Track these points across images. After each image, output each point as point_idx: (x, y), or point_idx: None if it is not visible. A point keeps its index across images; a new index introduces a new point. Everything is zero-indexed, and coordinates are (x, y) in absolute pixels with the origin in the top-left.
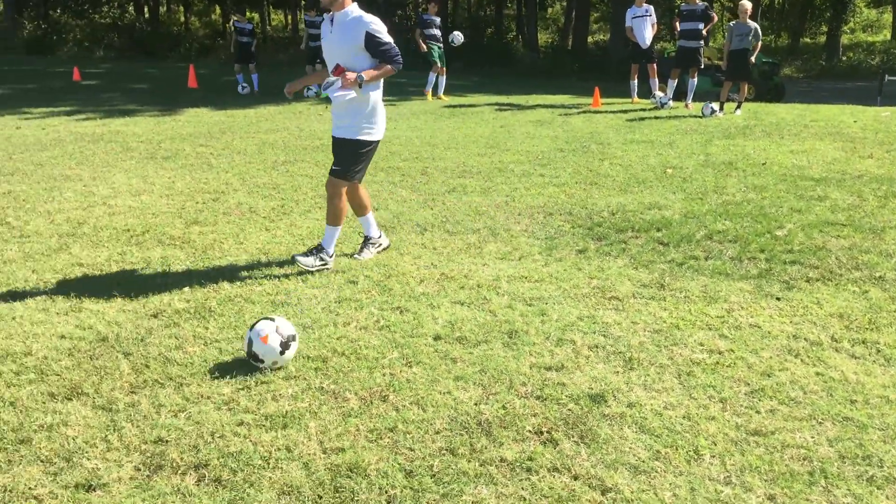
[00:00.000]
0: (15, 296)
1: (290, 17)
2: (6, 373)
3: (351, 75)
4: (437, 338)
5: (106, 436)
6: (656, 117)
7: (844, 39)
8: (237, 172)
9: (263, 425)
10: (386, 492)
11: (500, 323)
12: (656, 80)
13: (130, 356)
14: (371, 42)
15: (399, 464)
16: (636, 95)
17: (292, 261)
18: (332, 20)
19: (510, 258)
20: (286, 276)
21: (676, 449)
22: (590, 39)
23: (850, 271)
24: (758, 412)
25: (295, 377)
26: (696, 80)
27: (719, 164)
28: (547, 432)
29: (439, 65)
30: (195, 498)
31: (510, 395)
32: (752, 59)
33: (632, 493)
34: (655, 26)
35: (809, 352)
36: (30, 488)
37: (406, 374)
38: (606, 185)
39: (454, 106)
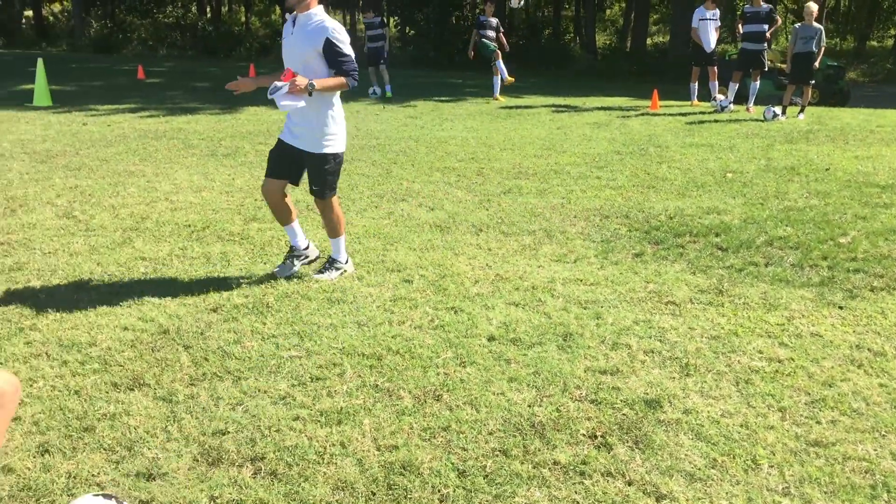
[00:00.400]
0: (81, 288)
1: (348, 17)
2: (72, 362)
3: (301, 81)
4: (491, 338)
5: (166, 426)
6: (716, 121)
7: None
8: None
9: (318, 421)
10: (439, 491)
11: (555, 325)
12: (717, 83)
13: (190, 349)
14: (330, 50)
15: (452, 463)
16: (696, 98)
17: (315, 280)
18: (294, 21)
19: (565, 260)
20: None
21: (734, 458)
22: (648, 41)
23: None
24: (818, 423)
25: (350, 374)
26: (758, 83)
27: (781, 169)
28: (601, 436)
29: (496, 56)
30: (251, 490)
31: (564, 398)
32: (817, 63)
33: (687, 500)
34: (718, 31)
35: (873, 362)
36: (93, 475)
37: (460, 373)
38: (664, 189)
39: (510, 107)
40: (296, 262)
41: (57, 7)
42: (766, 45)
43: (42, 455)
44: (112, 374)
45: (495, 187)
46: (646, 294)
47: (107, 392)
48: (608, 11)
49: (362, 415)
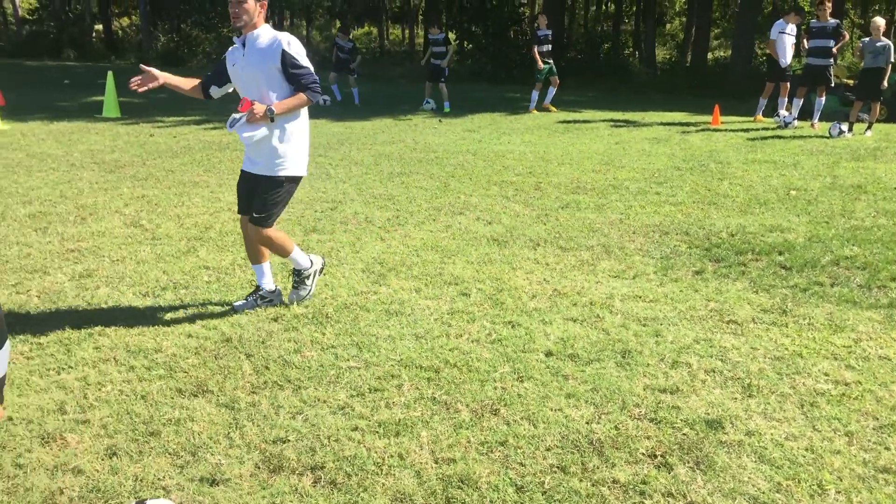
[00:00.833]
0: (147, 295)
1: (407, 31)
2: (138, 367)
3: (259, 109)
4: (548, 354)
5: (228, 433)
6: (779, 137)
7: None
8: (354, 183)
9: (377, 432)
10: None
11: (614, 342)
12: (785, 99)
13: (252, 357)
14: (286, 64)
15: (510, 478)
16: (760, 113)
17: (290, 302)
18: (243, 43)
19: (624, 276)
20: (400, 286)
21: (799, 482)
22: (709, 56)
23: None
24: (887, 448)
25: (408, 386)
26: (823, 99)
27: (847, 187)
28: (661, 456)
29: (540, 83)
30: (312, 499)
31: (623, 416)
32: (885, 79)
33: None
34: (793, 46)
35: None
36: (158, 479)
37: (517, 388)
38: (726, 206)
39: (568, 121)
40: (260, 302)
41: (125, 21)
42: (832, 60)
43: (110, 458)
44: (177, 380)
45: (553, 202)
46: (706, 312)
47: (172, 398)
48: (668, 26)
49: (420, 427)
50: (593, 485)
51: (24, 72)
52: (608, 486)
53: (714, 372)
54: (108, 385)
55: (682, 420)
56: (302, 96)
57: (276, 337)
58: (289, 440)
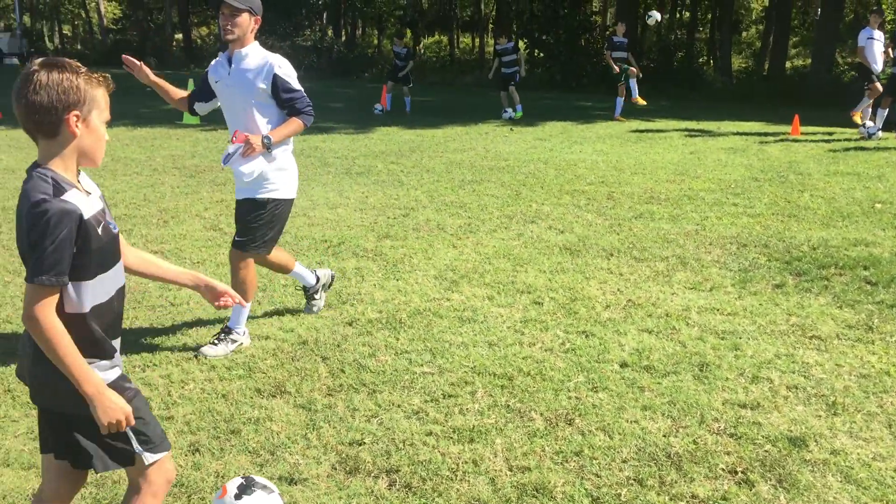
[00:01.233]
0: None
1: (477, 40)
2: (219, 367)
3: (255, 140)
4: (623, 365)
5: (306, 433)
6: (862, 149)
7: None
8: (426, 190)
9: (451, 437)
10: None
11: (690, 355)
12: (870, 108)
13: (328, 360)
14: (279, 88)
15: (585, 489)
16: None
17: (198, 353)
18: (229, 59)
19: (701, 288)
20: (473, 293)
21: (886, 503)
22: (787, 64)
23: None
24: None
25: (481, 393)
26: None
27: None
28: (742, 472)
29: (623, 85)
30: (387, 501)
31: (701, 430)
32: None
33: None
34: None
35: None
36: (239, 476)
37: (592, 399)
38: (807, 218)
39: (641, 130)
40: (316, 297)
41: (204, 31)
42: None
43: (193, 454)
44: (256, 381)
45: (626, 211)
46: (788, 327)
47: (251, 397)
48: (744, 34)
49: (494, 434)
50: (671, 499)
51: None
52: (686, 501)
53: (797, 388)
54: (190, 383)
55: (763, 436)
56: (297, 121)
57: (351, 341)
58: (364, 443)
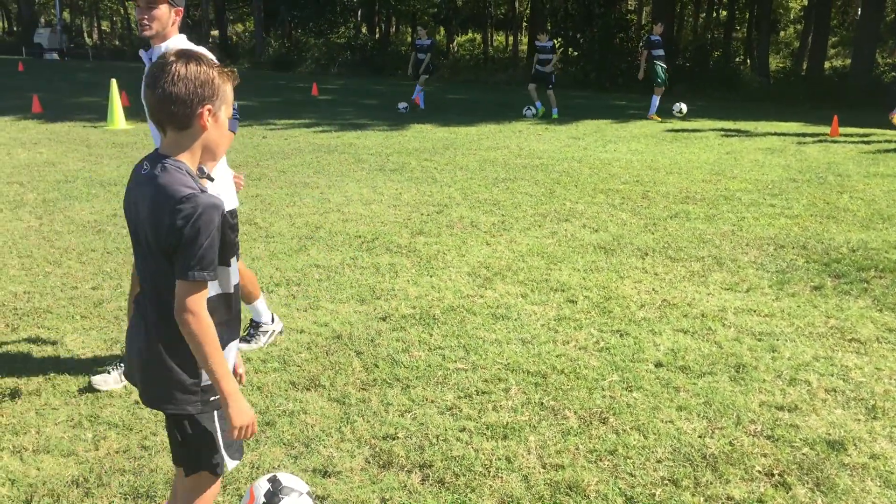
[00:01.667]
0: (262, 290)
1: (511, 38)
2: (254, 359)
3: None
4: (658, 364)
5: (340, 427)
6: None
7: None
8: (460, 187)
9: (485, 434)
10: None
11: (727, 356)
12: None
13: (362, 355)
14: None
15: (619, 488)
16: None
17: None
18: (150, 58)
19: (737, 289)
20: (506, 290)
21: None
22: (826, 64)
23: None
24: None
25: (515, 390)
26: None
27: None
28: (778, 475)
29: (662, 87)
30: (420, 496)
31: (738, 432)
32: None
33: None
34: None
35: None
36: (274, 468)
37: (626, 398)
38: (846, 220)
39: (676, 130)
40: (262, 337)
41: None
42: None
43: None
44: (290, 374)
45: (661, 211)
46: (826, 329)
47: (286, 390)
48: (782, 34)
49: (527, 431)
50: (706, 500)
51: None
52: (722, 503)
53: (835, 391)
54: None
55: (801, 439)
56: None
57: (385, 336)
58: (398, 437)
